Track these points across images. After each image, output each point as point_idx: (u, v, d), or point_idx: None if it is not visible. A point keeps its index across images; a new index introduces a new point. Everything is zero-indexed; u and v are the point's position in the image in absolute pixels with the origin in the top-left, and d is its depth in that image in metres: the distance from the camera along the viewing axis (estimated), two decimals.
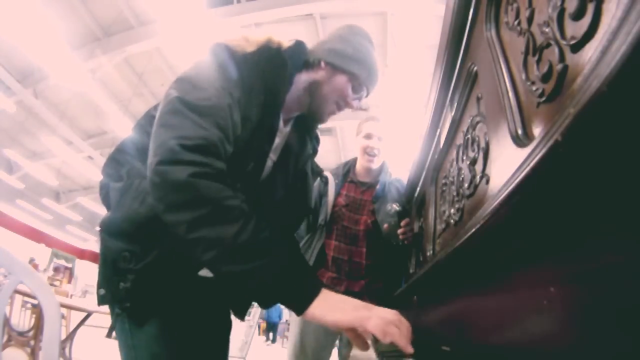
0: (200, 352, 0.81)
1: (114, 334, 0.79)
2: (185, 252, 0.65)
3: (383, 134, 1.67)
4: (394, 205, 1.46)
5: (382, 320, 0.61)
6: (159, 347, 0.75)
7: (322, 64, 0.90)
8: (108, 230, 0.78)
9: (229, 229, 0.61)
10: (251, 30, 6.17)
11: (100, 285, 0.77)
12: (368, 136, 1.66)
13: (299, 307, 0.64)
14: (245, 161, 0.79)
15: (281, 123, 0.90)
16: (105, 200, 0.85)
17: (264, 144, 0.83)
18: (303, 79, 0.91)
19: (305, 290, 0.65)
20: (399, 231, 1.35)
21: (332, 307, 0.64)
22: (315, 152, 1.07)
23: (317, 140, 1.08)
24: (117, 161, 0.85)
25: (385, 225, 1.49)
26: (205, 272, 0.81)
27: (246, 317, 1.00)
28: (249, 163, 0.80)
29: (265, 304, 0.67)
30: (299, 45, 0.93)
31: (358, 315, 0.62)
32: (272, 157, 0.92)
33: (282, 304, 0.65)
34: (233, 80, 0.76)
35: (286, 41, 0.88)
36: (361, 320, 0.61)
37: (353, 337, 0.67)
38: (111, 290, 0.75)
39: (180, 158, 0.63)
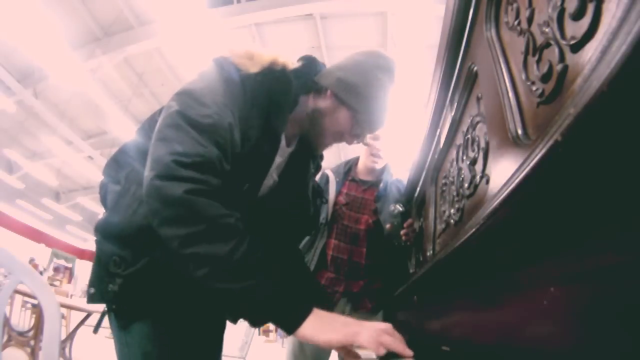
0: (192, 352, 0.81)
1: (108, 331, 0.79)
2: (178, 267, 0.65)
3: (387, 135, 1.67)
4: (398, 206, 1.46)
5: (374, 332, 0.61)
6: (150, 345, 0.76)
7: (329, 93, 0.86)
8: (102, 233, 0.79)
9: (222, 247, 0.61)
10: (251, 32, 6.15)
11: (91, 283, 0.78)
12: (375, 137, 1.66)
13: (289, 327, 0.64)
14: (241, 181, 0.78)
15: (284, 142, 0.88)
16: (104, 200, 0.86)
17: (262, 165, 0.82)
18: (309, 103, 0.88)
19: (295, 311, 0.65)
20: (402, 232, 1.35)
21: (323, 326, 0.64)
22: (318, 168, 1.05)
23: (321, 156, 1.07)
24: (118, 163, 0.85)
25: (388, 225, 1.49)
26: None
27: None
28: (245, 183, 0.79)
29: (255, 323, 0.67)
30: (309, 63, 0.90)
31: (349, 332, 0.62)
32: (274, 176, 0.90)
33: (273, 323, 0.65)
34: (236, 99, 0.74)
35: (292, 62, 0.85)
36: (353, 335, 0.61)
37: (345, 353, 0.68)
38: (100, 290, 0.76)
39: (176, 174, 0.63)
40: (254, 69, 0.78)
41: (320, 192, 1.13)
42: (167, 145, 0.66)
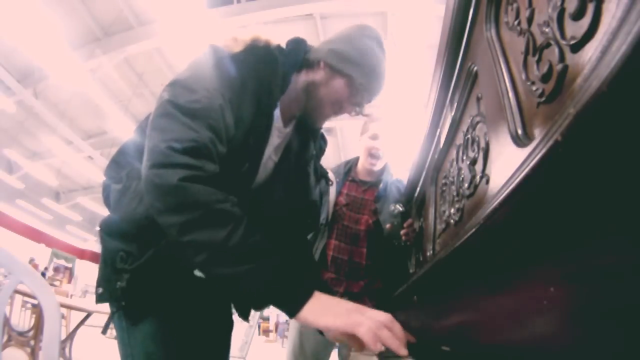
0: (197, 351, 0.81)
1: (110, 331, 0.79)
2: (178, 255, 0.66)
3: (387, 135, 1.67)
4: (398, 206, 1.46)
5: (374, 324, 0.60)
6: (154, 345, 0.76)
7: (322, 64, 0.87)
8: (107, 231, 0.80)
9: (220, 232, 0.62)
10: (243, 29, 6.24)
11: (98, 284, 0.78)
12: (374, 137, 1.65)
13: (291, 310, 0.64)
14: (240, 161, 0.78)
15: (281, 123, 0.89)
16: (107, 201, 0.87)
17: (258, 144, 0.82)
18: (302, 78, 0.89)
19: (297, 293, 0.64)
20: (402, 232, 1.35)
21: (325, 310, 0.64)
22: (321, 152, 1.06)
23: (324, 141, 1.07)
24: (118, 163, 0.87)
25: (388, 225, 1.49)
26: (200, 273, 0.81)
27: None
28: (244, 163, 0.80)
29: (257, 307, 0.67)
30: (297, 43, 0.91)
31: (350, 320, 0.61)
32: (273, 157, 0.91)
33: (275, 306, 0.65)
34: (224, 81, 0.75)
35: (274, 39, 0.86)
36: (353, 326, 0.61)
37: (347, 338, 0.67)
38: (108, 289, 0.76)
39: (171, 161, 0.63)
40: (237, 48, 0.80)
41: (324, 173, 1.12)
42: (160, 133, 0.67)
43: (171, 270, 0.73)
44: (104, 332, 0.82)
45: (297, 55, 0.89)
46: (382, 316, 0.63)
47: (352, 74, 0.86)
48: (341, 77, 0.86)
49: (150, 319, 0.76)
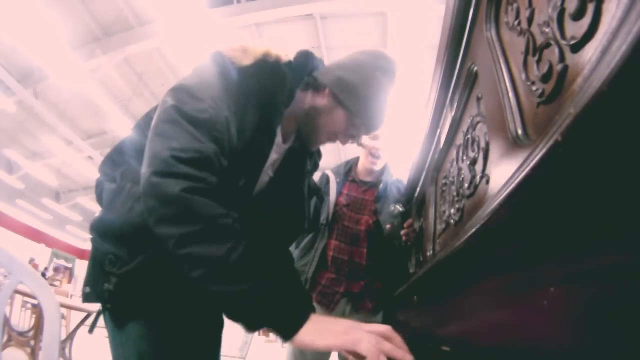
0: (189, 351, 0.80)
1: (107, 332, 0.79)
2: (173, 267, 0.64)
3: (387, 135, 1.67)
4: (398, 206, 1.46)
5: (374, 339, 0.59)
6: (146, 345, 0.75)
7: (327, 91, 0.86)
8: (97, 231, 0.78)
9: (219, 248, 0.60)
10: (251, 32, 6.17)
11: (86, 283, 0.77)
12: (374, 137, 1.65)
13: (286, 334, 0.62)
14: (237, 176, 0.77)
15: (280, 138, 0.88)
16: (99, 198, 0.85)
17: (258, 160, 0.81)
18: (307, 100, 0.87)
19: (293, 316, 0.63)
20: (402, 232, 1.35)
21: (322, 332, 0.62)
22: (316, 167, 1.05)
23: (319, 155, 1.06)
24: (113, 161, 0.85)
25: (389, 226, 1.49)
26: None
27: None
28: (241, 178, 0.78)
29: (250, 328, 0.65)
30: (305, 57, 0.89)
31: (349, 338, 0.60)
32: (269, 172, 0.90)
33: (269, 328, 0.63)
34: (231, 92, 0.74)
35: (284, 53, 0.84)
36: (353, 343, 0.59)
37: (347, 354, 0.67)
38: (95, 289, 0.75)
39: (173, 170, 0.61)
40: (247, 61, 0.78)
41: (317, 190, 1.12)
42: (164, 140, 0.65)
43: (160, 275, 0.72)
44: (91, 331, 0.82)
45: (304, 70, 0.87)
46: (381, 328, 0.62)
47: (354, 110, 0.85)
48: (343, 109, 0.85)
49: (141, 319, 0.75)
